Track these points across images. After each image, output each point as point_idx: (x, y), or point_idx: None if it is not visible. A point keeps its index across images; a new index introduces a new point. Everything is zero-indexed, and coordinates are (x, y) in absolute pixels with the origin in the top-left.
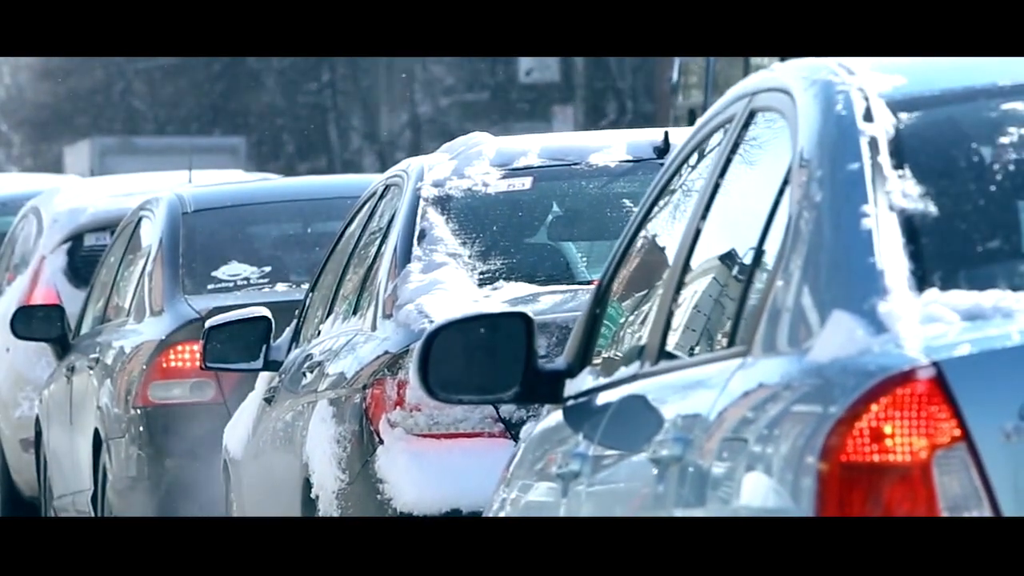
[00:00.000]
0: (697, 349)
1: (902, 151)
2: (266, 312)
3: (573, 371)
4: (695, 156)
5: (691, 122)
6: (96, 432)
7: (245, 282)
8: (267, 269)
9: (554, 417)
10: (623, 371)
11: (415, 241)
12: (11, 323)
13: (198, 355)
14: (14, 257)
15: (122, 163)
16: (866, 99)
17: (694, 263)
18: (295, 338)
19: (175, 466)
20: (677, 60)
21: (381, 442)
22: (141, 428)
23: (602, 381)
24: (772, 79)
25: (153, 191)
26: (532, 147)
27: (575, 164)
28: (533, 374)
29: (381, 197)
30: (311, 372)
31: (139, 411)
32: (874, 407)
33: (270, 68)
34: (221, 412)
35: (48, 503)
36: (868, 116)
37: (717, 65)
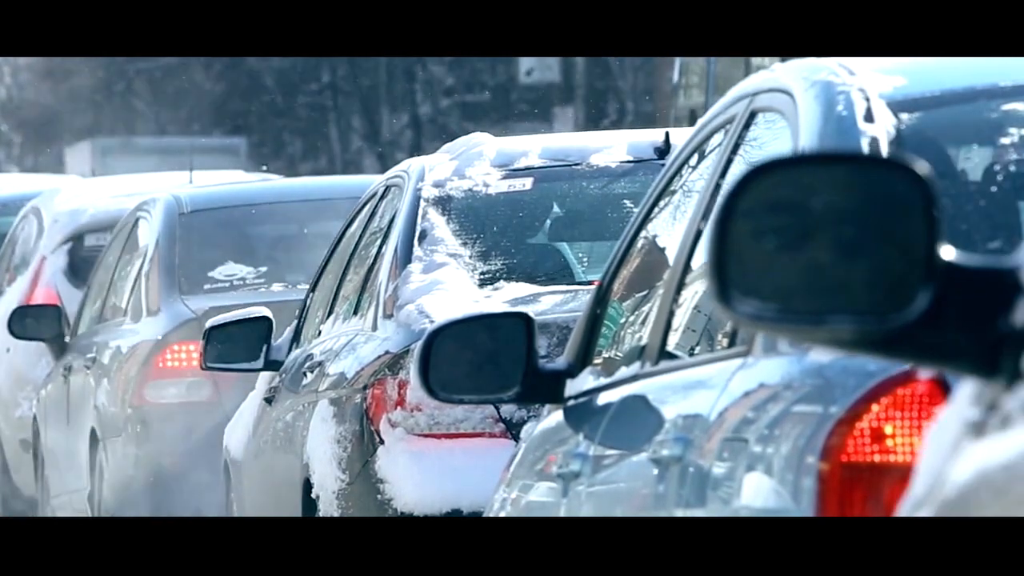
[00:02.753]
0: (697, 349)
1: (903, 151)
2: (267, 312)
3: (573, 371)
4: (696, 157)
5: (692, 123)
6: (93, 431)
7: (241, 282)
8: (263, 269)
9: (555, 417)
10: (623, 371)
11: (416, 241)
12: (8, 323)
13: (194, 355)
14: (15, 257)
15: (123, 163)
16: (867, 99)
17: (695, 263)
18: (295, 338)
19: (171, 465)
20: (678, 60)
21: (382, 442)
22: (138, 427)
23: (603, 381)
24: (773, 80)
25: (154, 191)
26: (533, 147)
27: (576, 164)
28: (534, 374)
29: (382, 197)
30: (312, 372)
31: (135, 410)
32: (875, 407)
33: (270, 68)
34: (217, 412)
35: (45, 501)
36: (869, 116)
37: (718, 66)
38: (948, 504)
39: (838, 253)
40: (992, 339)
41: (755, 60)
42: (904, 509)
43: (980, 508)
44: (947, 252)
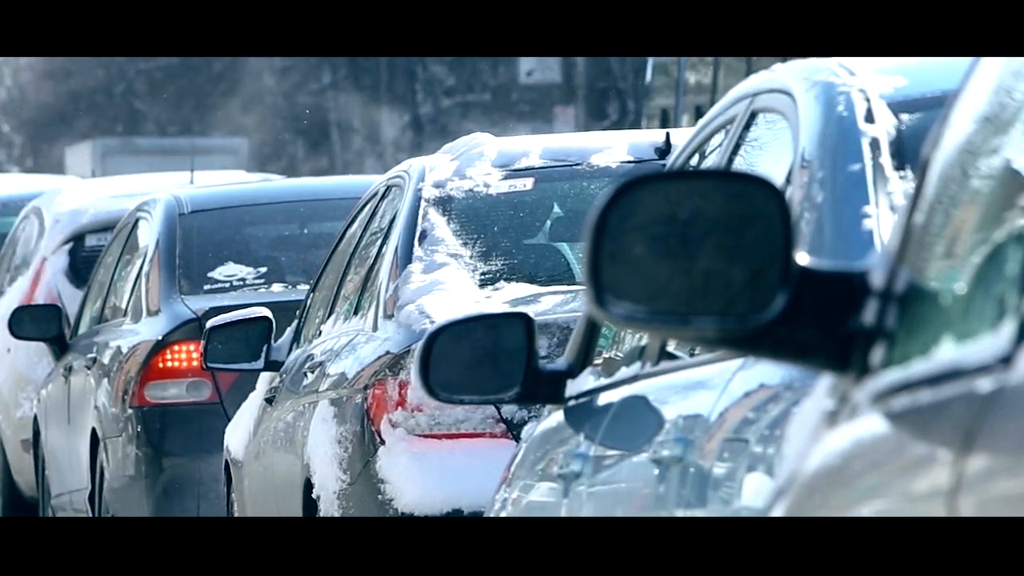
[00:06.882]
0: (698, 349)
1: (903, 152)
2: (267, 312)
3: (574, 371)
4: (696, 157)
5: (663, 123)
6: (93, 431)
7: (241, 283)
8: (263, 270)
9: (555, 417)
10: (624, 371)
11: (416, 242)
12: (9, 323)
13: (194, 355)
14: (15, 258)
15: (124, 164)
16: (867, 100)
17: None
18: (296, 338)
19: (171, 465)
20: (650, 61)
21: (382, 442)
22: (138, 427)
23: (603, 381)
24: (773, 80)
25: (154, 192)
26: (533, 148)
27: (576, 165)
28: (534, 374)
29: (382, 198)
30: (312, 372)
31: (136, 411)
32: None
33: (271, 68)
34: (217, 412)
35: (46, 502)
36: (869, 117)
37: (687, 67)
38: (802, 488)
39: (703, 260)
40: (844, 337)
41: (726, 61)
42: (770, 495)
43: (824, 493)
44: (802, 258)
